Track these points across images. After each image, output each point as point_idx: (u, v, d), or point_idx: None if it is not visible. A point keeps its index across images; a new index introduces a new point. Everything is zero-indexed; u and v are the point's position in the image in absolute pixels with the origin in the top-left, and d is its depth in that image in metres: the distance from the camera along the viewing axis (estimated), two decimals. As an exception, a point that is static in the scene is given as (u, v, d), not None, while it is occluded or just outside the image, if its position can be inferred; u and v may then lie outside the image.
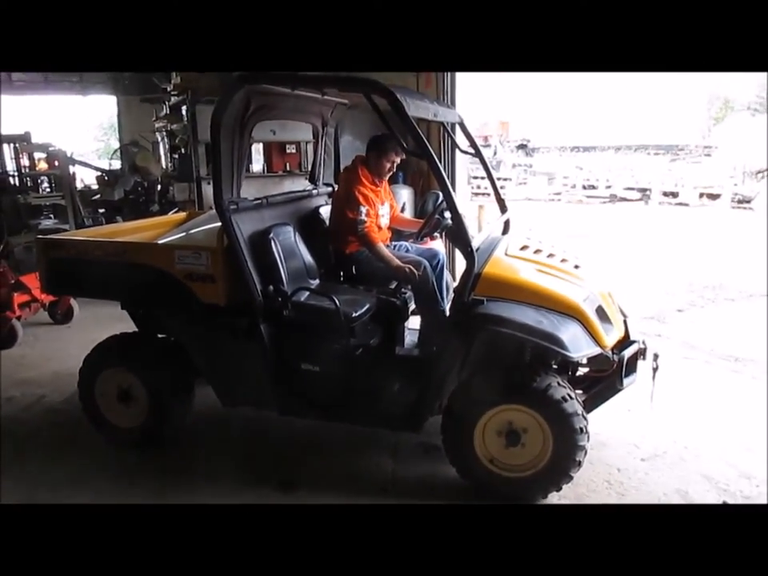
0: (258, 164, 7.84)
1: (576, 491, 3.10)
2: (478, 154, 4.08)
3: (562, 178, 21.87)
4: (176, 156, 8.74)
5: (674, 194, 18.78)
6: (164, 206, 8.37)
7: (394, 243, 4.05)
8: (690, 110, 35.25)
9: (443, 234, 3.96)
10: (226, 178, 3.18)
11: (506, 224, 4.01)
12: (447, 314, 3.59)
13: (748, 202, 17.29)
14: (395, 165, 3.93)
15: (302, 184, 7.63)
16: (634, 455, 3.51)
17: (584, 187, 20.87)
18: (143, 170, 8.99)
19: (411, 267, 3.57)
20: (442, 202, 3.82)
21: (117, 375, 3.59)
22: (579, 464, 2.96)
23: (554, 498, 3.05)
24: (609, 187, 20.17)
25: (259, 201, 3.56)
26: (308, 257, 3.71)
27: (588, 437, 2.93)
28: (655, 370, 3.20)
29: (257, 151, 7.86)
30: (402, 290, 3.76)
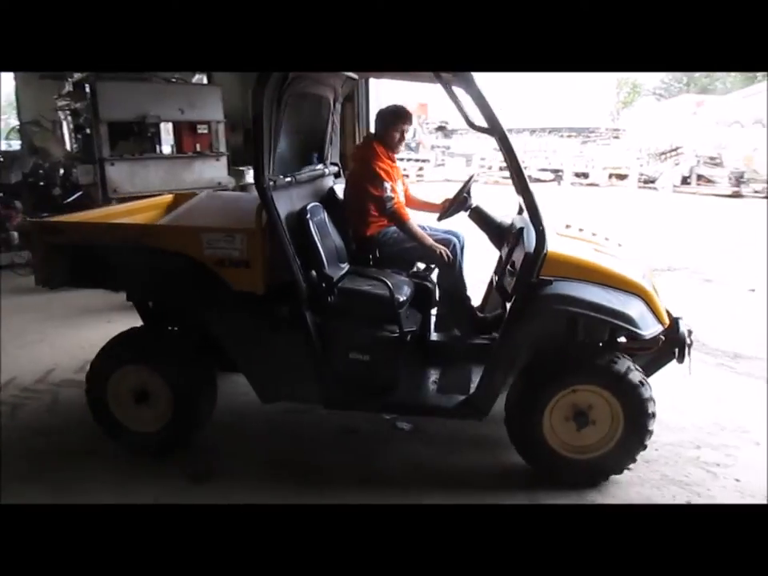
0: (166, 145, 7.55)
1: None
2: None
3: (479, 160, 22.21)
4: (80, 136, 8.29)
5: (585, 175, 19.40)
6: (68, 189, 7.94)
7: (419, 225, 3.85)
8: (600, 94, 36.51)
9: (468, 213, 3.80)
10: (266, 155, 2.95)
11: (521, 206, 3.94)
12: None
13: (653, 182, 18.11)
14: (405, 134, 3.76)
15: (213, 165, 7.48)
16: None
17: (500, 169, 21.17)
18: (43, 150, 8.48)
19: (444, 248, 3.47)
20: (469, 180, 3.74)
21: (134, 374, 3.28)
22: (645, 447, 3.02)
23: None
24: (524, 168, 20.63)
25: (290, 179, 3.32)
26: (338, 239, 3.52)
27: (654, 419, 2.97)
28: (689, 345, 3.21)
29: (166, 131, 7.57)
30: (429, 273, 3.68)
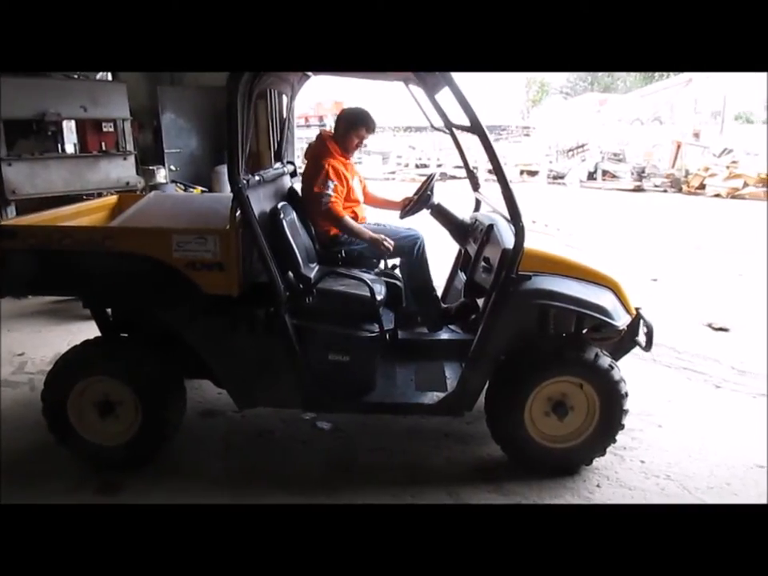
0: (70, 144, 7.19)
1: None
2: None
3: (396, 158, 22.44)
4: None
5: (498, 172, 19.95)
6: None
7: (375, 223, 3.85)
8: (511, 93, 37.53)
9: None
10: (240, 154, 2.83)
11: (478, 202, 4.02)
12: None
13: (561, 177, 18.82)
14: (363, 142, 3.75)
15: (120, 165, 7.20)
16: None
17: (417, 166, 21.54)
18: (-68, 150, 7.90)
19: (385, 237, 3.46)
20: (431, 177, 3.74)
21: (96, 385, 3.11)
22: (615, 440, 3.13)
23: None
24: (440, 166, 20.97)
25: (259, 178, 3.21)
26: (307, 239, 3.44)
27: (627, 414, 3.08)
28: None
29: (69, 130, 7.20)
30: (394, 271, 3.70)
